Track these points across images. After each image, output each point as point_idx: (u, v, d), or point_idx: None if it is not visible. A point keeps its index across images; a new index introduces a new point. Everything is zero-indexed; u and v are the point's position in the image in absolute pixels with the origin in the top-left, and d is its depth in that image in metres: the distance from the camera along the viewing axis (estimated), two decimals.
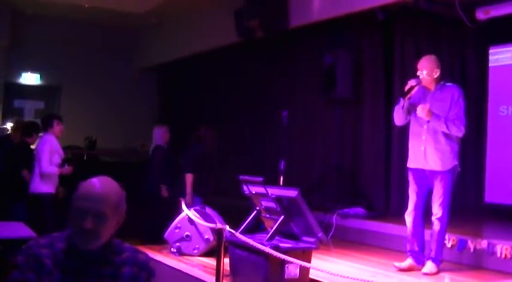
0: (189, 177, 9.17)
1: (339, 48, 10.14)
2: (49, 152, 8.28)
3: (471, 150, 10.17)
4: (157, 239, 9.07)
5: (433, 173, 6.70)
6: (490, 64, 9.98)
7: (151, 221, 9.24)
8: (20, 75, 15.86)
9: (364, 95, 10.27)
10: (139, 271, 2.84)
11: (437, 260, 6.67)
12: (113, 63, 16.29)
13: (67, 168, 8.49)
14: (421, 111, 6.59)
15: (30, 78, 15.97)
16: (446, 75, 9.98)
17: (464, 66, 10.28)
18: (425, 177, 6.78)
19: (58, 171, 8.39)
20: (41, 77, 16.03)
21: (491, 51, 9.99)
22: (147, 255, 2.94)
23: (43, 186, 8.30)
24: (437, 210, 6.65)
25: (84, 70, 16.02)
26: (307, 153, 11.39)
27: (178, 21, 14.52)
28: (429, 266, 6.63)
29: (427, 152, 6.70)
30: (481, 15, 8.52)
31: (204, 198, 9.25)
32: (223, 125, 13.89)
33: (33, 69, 15.90)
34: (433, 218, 6.69)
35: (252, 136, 12.98)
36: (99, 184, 2.81)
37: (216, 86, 14.48)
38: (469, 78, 10.26)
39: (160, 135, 10.08)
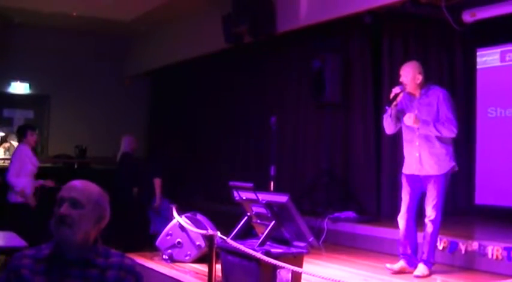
0: (157, 182, 9.85)
1: (327, 53, 10.16)
2: (18, 162, 8.38)
3: (461, 152, 10.17)
4: (133, 245, 9.18)
5: (427, 177, 6.71)
6: (478, 66, 10.03)
7: (124, 227, 9.45)
8: (9, 84, 15.80)
9: (353, 99, 10.29)
10: (126, 275, 2.86)
11: (429, 263, 6.68)
12: (102, 71, 16.28)
13: (48, 182, 8.63)
14: (408, 119, 6.61)
15: (19, 88, 15.91)
16: (435, 78, 10.04)
17: (453, 69, 10.31)
18: (419, 181, 6.79)
19: (28, 180, 8.40)
20: (30, 86, 15.98)
21: (478, 53, 10.03)
22: (133, 260, 2.97)
23: (18, 196, 8.37)
24: (430, 212, 6.65)
25: (73, 78, 15.99)
26: (298, 158, 11.40)
27: (167, 28, 14.54)
28: (421, 269, 6.64)
29: (422, 158, 6.70)
30: (468, 17, 8.57)
31: (172, 199, 9.66)
32: (212, 131, 13.93)
33: (22, 79, 15.83)
34: (426, 220, 6.70)
35: (242, 141, 12.98)
36: (80, 181, 2.96)
37: (205, 92, 14.48)
38: (457, 80, 10.29)
39: (128, 143, 10.58)
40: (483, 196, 9.82)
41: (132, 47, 16.53)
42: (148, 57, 15.67)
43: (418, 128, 6.63)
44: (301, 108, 11.34)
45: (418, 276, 6.59)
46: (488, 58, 9.91)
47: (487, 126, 9.90)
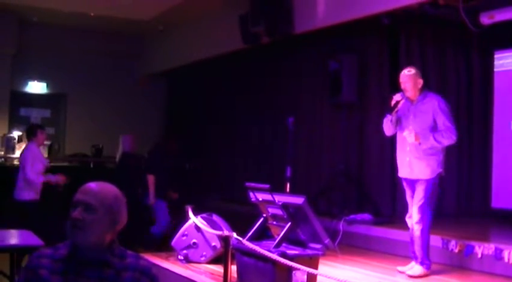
0: (150, 178, 9.66)
1: (345, 53, 10.17)
2: (31, 160, 8.52)
3: (477, 155, 10.17)
4: (139, 244, 9.21)
5: (417, 180, 6.88)
6: (495, 69, 9.96)
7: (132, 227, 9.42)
8: (27, 83, 15.88)
9: (369, 100, 10.27)
10: (141, 276, 2.86)
11: (424, 264, 6.81)
12: (119, 71, 16.35)
13: (59, 178, 8.79)
14: (409, 137, 6.77)
15: (36, 87, 15.98)
16: (452, 80, 10.03)
17: (470, 71, 10.28)
18: (413, 184, 6.96)
19: (44, 179, 8.62)
20: (47, 85, 16.05)
21: (496, 55, 9.97)
22: (149, 262, 2.98)
23: (26, 193, 8.53)
24: (415, 214, 6.81)
25: (90, 78, 16.06)
26: (314, 159, 11.38)
27: (184, 28, 14.55)
28: (415, 269, 6.81)
29: (412, 162, 6.89)
30: (486, 19, 8.51)
31: (166, 200, 9.73)
32: (229, 131, 13.93)
33: (40, 78, 15.91)
34: (413, 224, 6.85)
35: (258, 142, 12.98)
36: (97, 183, 2.93)
37: (222, 92, 14.49)
38: (474, 82, 10.27)
39: (127, 143, 10.53)
40: (500, 199, 9.76)
41: (149, 46, 16.55)
42: (165, 56, 15.68)
43: (420, 143, 6.76)
44: (318, 109, 11.33)
45: (410, 276, 6.77)
46: (505, 61, 9.85)
47: (504, 129, 9.84)
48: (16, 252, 6.29)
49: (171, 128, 16.53)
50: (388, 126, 7.06)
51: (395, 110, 6.89)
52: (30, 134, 8.87)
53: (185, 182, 13.84)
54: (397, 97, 6.88)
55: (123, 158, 10.86)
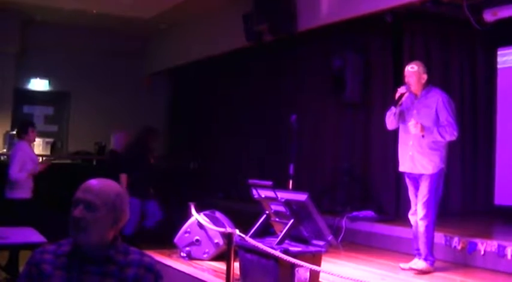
0: (123, 177, 9.34)
1: (348, 51, 10.14)
2: (21, 159, 8.37)
3: (481, 152, 10.15)
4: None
5: (420, 175, 6.88)
6: (499, 65, 9.96)
7: None
8: (29, 81, 15.89)
9: (373, 98, 10.26)
10: (145, 273, 2.86)
11: (428, 260, 6.82)
12: (122, 69, 16.33)
13: (41, 165, 8.68)
14: (413, 128, 6.75)
15: (39, 84, 15.99)
16: (456, 77, 10.00)
17: (474, 68, 10.26)
18: (415, 179, 6.97)
19: (28, 176, 8.41)
20: (50, 82, 16.06)
21: (499, 52, 9.97)
22: (152, 258, 2.98)
23: (16, 192, 8.38)
24: (420, 210, 6.83)
25: (93, 76, 16.05)
26: (317, 156, 11.37)
27: (187, 26, 14.54)
28: (418, 263, 6.82)
29: (415, 157, 6.89)
30: (489, 16, 8.50)
31: (142, 199, 9.47)
32: (232, 129, 13.93)
33: (42, 75, 15.92)
34: (418, 219, 6.85)
35: (261, 140, 12.96)
36: (98, 180, 2.91)
37: (225, 89, 14.48)
38: (478, 79, 10.25)
39: (119, 141, 10.51)
40: (503, 196, 9.76)
41: (151, 44, 16.57)
42: (168, 55, 15.69)
43: (423, 136, 6.75)
44: (322, 107, 11.30)
45: (412, 269, 6.79)
46: (508, 58, 9.85)
47: (507, 126, 9.83)
48: (19, 249, 6.28)
49: (176, 126, 16.54)
50: (391, 120, 7.07)
51: (400, 102, 6.90)
52: (22, 131, 8.65)
53: (189, 180, 13.85)
54: (401, 89, 6.89)
55: (110, 156, 10.79)
